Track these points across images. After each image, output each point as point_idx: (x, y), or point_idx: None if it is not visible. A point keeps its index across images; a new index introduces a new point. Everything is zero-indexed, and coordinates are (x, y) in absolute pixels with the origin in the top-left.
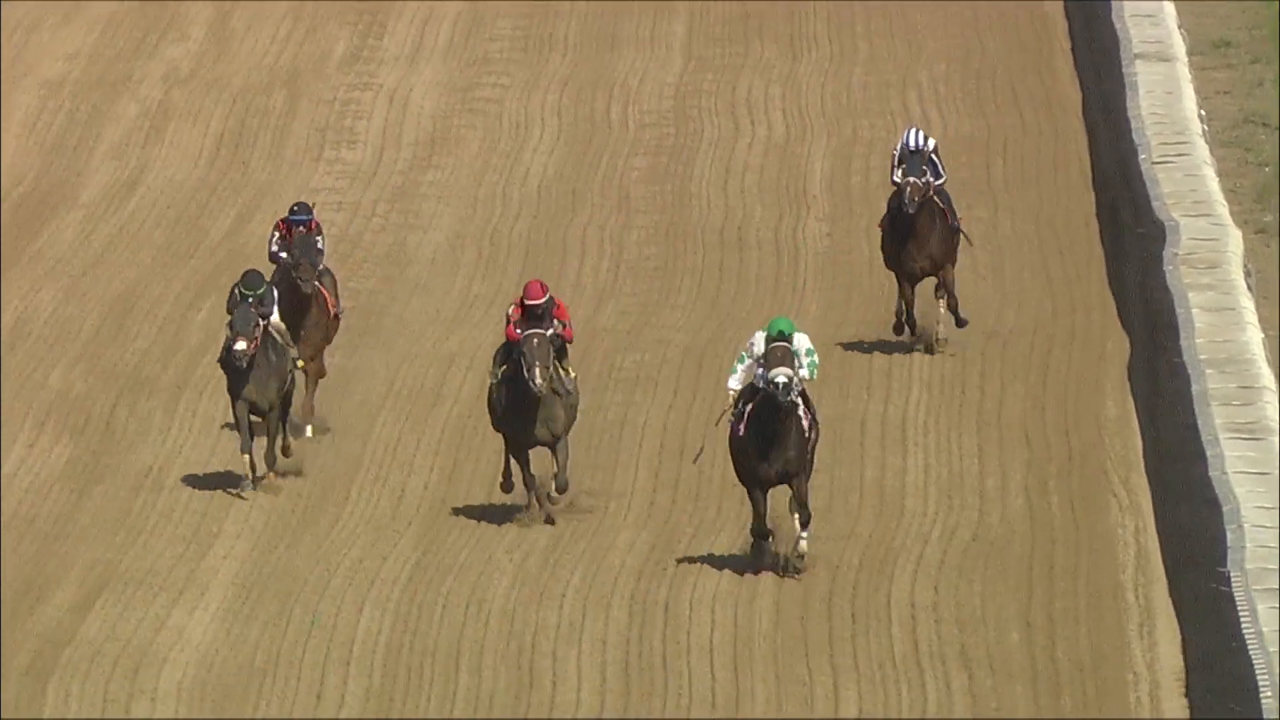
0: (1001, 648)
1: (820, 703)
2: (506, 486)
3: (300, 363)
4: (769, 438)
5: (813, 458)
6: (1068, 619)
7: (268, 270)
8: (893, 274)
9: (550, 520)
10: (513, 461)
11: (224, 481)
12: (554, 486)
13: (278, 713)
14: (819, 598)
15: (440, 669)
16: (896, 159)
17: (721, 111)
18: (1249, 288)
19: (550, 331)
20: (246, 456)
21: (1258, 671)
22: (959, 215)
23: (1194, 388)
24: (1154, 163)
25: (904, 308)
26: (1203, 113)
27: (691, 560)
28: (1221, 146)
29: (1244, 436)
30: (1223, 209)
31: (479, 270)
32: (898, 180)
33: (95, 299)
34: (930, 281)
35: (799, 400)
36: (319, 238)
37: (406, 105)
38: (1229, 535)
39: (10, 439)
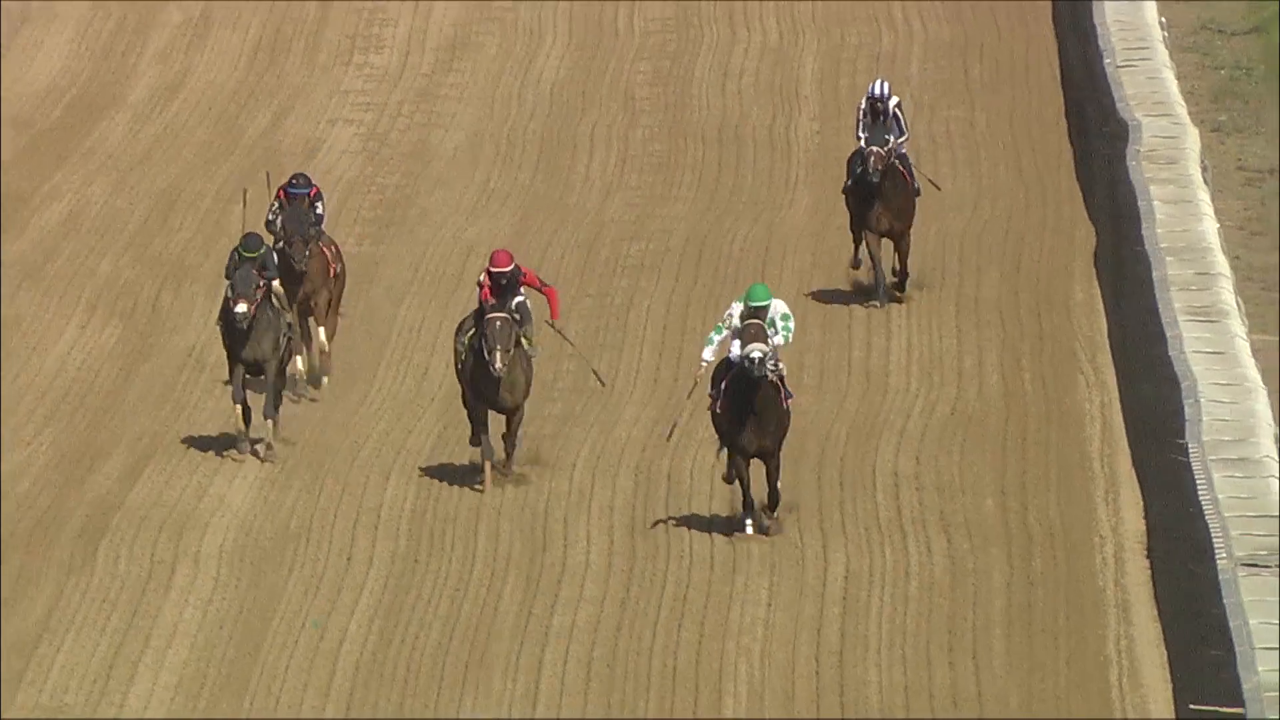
0: (978, 513)
1: (810, 563)
2: (475, 441)
3: (295, 328)
4: (746, 412)
5: (785, 433)
6: (1039, 486)
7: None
8: (857, 229)
9: (505, 473)
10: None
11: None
12: (505, 447)
13: (311, 573)
14: (809, 467)
15: (461, 533)
16: (862, 112)
17: (720, 19)
18: (1205, 182)
19: (516, 301)
20: (239, 407)
21: (1213, 535)
22: (916, 173)
23: (1154, 274)
24: (1118, 66)
25: (871, 259)
26: (1163, 20)
27: (691, 433)
28: (1180, 51)
29: (1200, 319)
30: (1181, 109)
31: (496, 166)
32: (862, 140)
33: (142, 193)
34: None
35: (775, 375)
36: (319, 204)
37: (429, 14)
38: (1186, 409)
39: (64, 321)
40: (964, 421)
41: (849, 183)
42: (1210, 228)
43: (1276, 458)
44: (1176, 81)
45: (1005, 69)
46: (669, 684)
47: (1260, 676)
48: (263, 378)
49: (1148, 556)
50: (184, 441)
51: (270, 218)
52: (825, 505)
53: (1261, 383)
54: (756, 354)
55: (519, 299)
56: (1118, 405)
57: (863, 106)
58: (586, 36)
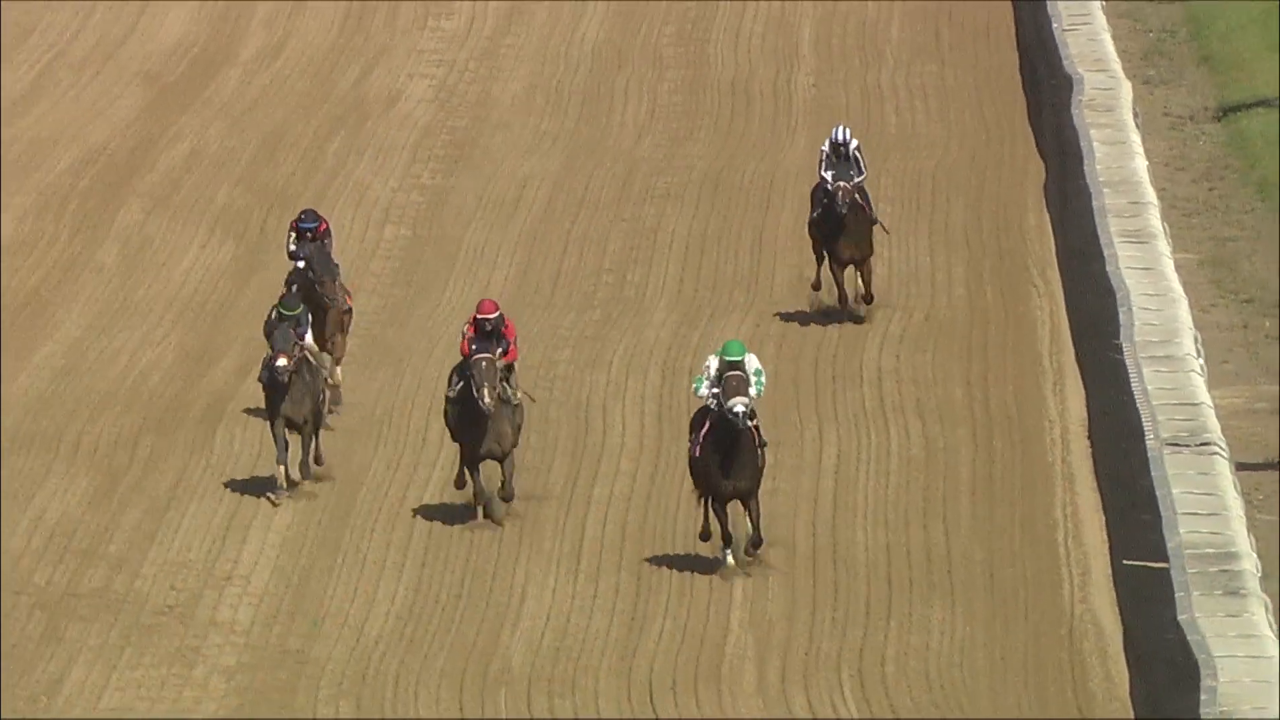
0: (948, 401)
1: (808, 444)
2: (459, 484)
3: (329, 380)
4: (726, 458)
5: (761, 477)
6: (998, 379)
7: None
8: (816, 252)
9: (498, 523)
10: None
11: (353, 276)
12: (500, 496)
13: (393, 452)
14: (808, 362)
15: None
16: (826, 154)
17: None
18: (1136, 126)
19: (499, 351)
20: (281, 467)
21: (1143, 419)
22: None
23: (1094, 203)
24: (1064, 30)
25: (836, 285)
26: None
27: (709, 335)
28: (1116, 17)
29: (1132, 241)
30: (1116, 65)
31: (546, 112)
32: (827, 178)
33: (251, 134)
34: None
35: (753, 425)
36: (328, 240)
37: None
38: (1121, 316)
39: (187, 241)
40: (936, 326)
41: (815, 214)
42: (1141, 164)
43: (1195, 355)
44: (1113, 42)
45: (970, 32)
46: (691, 544)
47: (1182, 537)
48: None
49: (1089, 438)
50: None
51: (291, 249)
52: (820, 394)
53: (1183, 293)
54: (739, 407)
55: (501, 349)
56: (1063, 312)
57: (825, 149)
58: (622, 4)
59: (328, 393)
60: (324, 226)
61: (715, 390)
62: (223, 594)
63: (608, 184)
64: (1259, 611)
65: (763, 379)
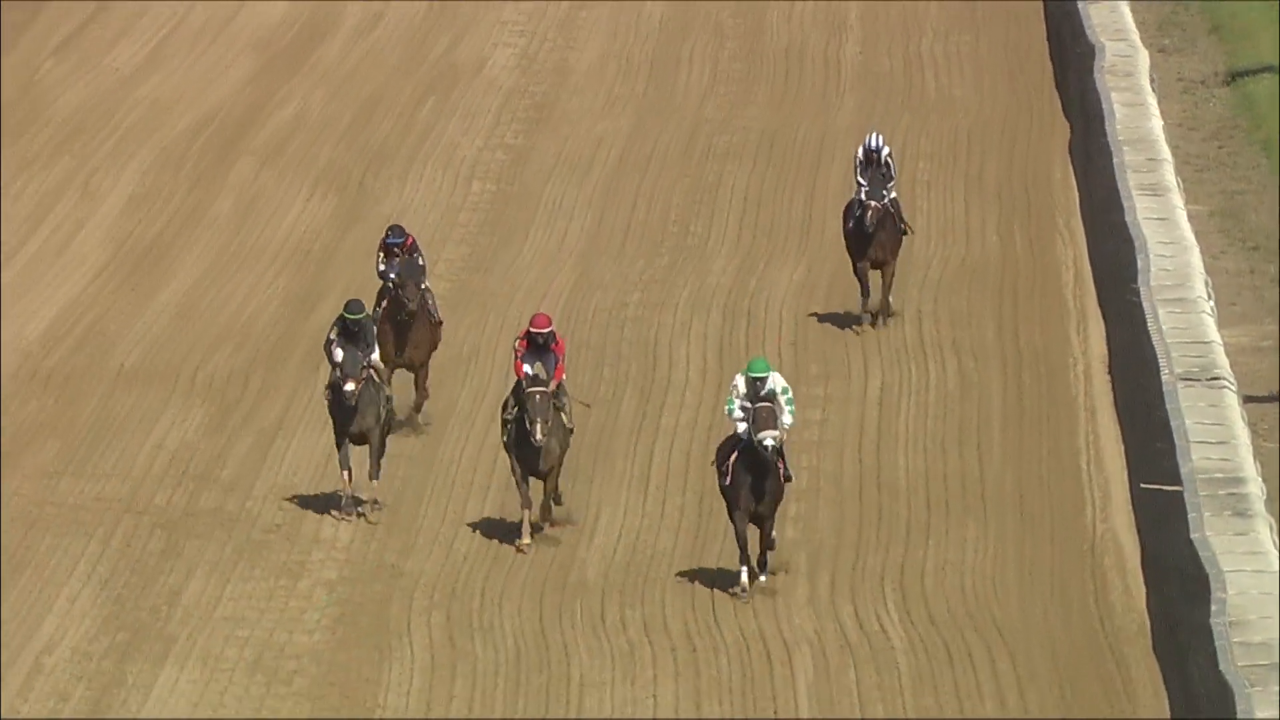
0: (981, 339)
1: (855, 378)
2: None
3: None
4: (754, 483)
5: (779, 503)
6: (1027, 319)
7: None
8: (853, 262)
9: (540, 529)
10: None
11: (443, 227)
12: (542, 506)
13: (478, 386)
14: (855, 305)
15: (591, 356)
16: (859, 160)
17: None
18: (1153, 90)
19: (553, 385)
20: (346, 473)
21: (1158, 357)
22: (905, 218)
23: (1114, 160)
24: (1087, 3)
25: (862, 282)
26: None
27: (764, 280)
28: None
29: (1149, 194)
30: (1135, 35)
31: (618, 78)
32: (862, 187)
33: (351, 98)
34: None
35: (779, 455)
36: (418, 255)
37: None
38: (1138, 262)
39: (294, 195)
40: (970, 271)
41: (849, 227)
42: (1156, 125)
43: (1206, 297)
44: (1131, 14)
45: (1001, 6)
46: None
47: (1194, 463)
48: (366, 446)
49: (1109, 373)
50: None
51: (380, 268)
52: (865, 334)
53: (1195, 241)
54: (770, 441)
55: (560, 380)
56: (1086, 258)
57: (859, 155)
58: None
59: (391, 409)
60: (410, 240)
61: (745, 420)
62: (325, 511)
63: (673, 143)
64: (1264, 531)
65: (792, 401)
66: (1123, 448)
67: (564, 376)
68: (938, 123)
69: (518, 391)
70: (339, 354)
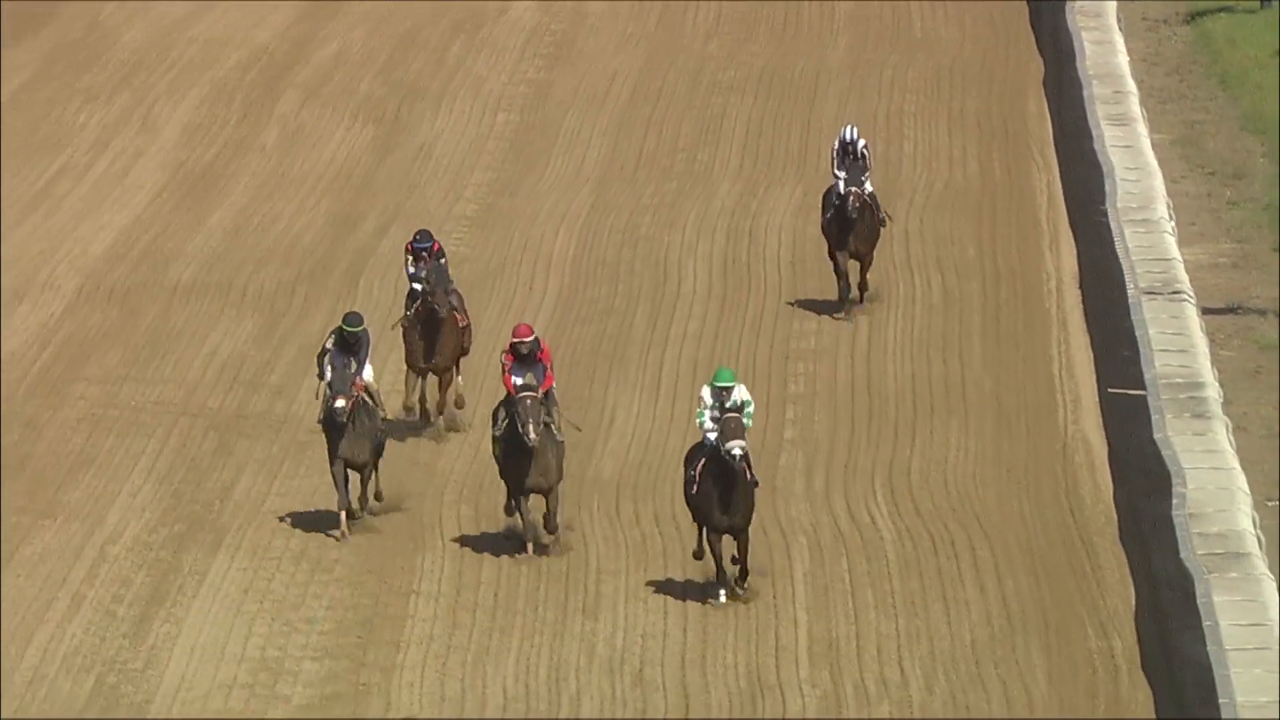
0: (962, 257)
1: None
2: (509, 510)
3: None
4: (723, 495)
5: (752, 513)
6: (1004, 239)
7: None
8: (830, 250)
9: (543, 551)
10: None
11: (472, 154)
12: (545, 527)
13: (505, 298)
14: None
15: (607, 272)
16: (836, 152)
17: None
18: (1120, 29)
19: (541, 391)
20: (343, 514)
21: (1124, 273)
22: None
23: (1084, 92)
24: None
25: (839, 273)
26: None
27: (764, 203)
28: None
29: (1116, 124)
30: None
31: (630, 18)
32: (840, 179)
33: (388, 36)
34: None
35: (746, 464)
36: (443, 258)
37: None
38: (1106, 186)
39: (335, 125)
40: (952, 195)
41: (828, 216)
42: (1123, 60)
43: (1168, 218)
44: None
45: None
46: (751, 376)
47: (1156, 369)
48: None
49: (1079, 287)
50: (419, 210)
51: (410, 270)
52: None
53: (1158, 167)
54: (737, 450)
55: (549, 388)
56: (1058, 183)
57: (835, 147)
58: None
59: (386, 436)
60: (437, 246)
61: (713, 430)
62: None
63: (681, 78)
64: (1220, 431)
65: (751, 410)
66: (1091, 355)
67: (553, 384)
68: (923, 60)
69: (508, 402)
70: (329, 372)
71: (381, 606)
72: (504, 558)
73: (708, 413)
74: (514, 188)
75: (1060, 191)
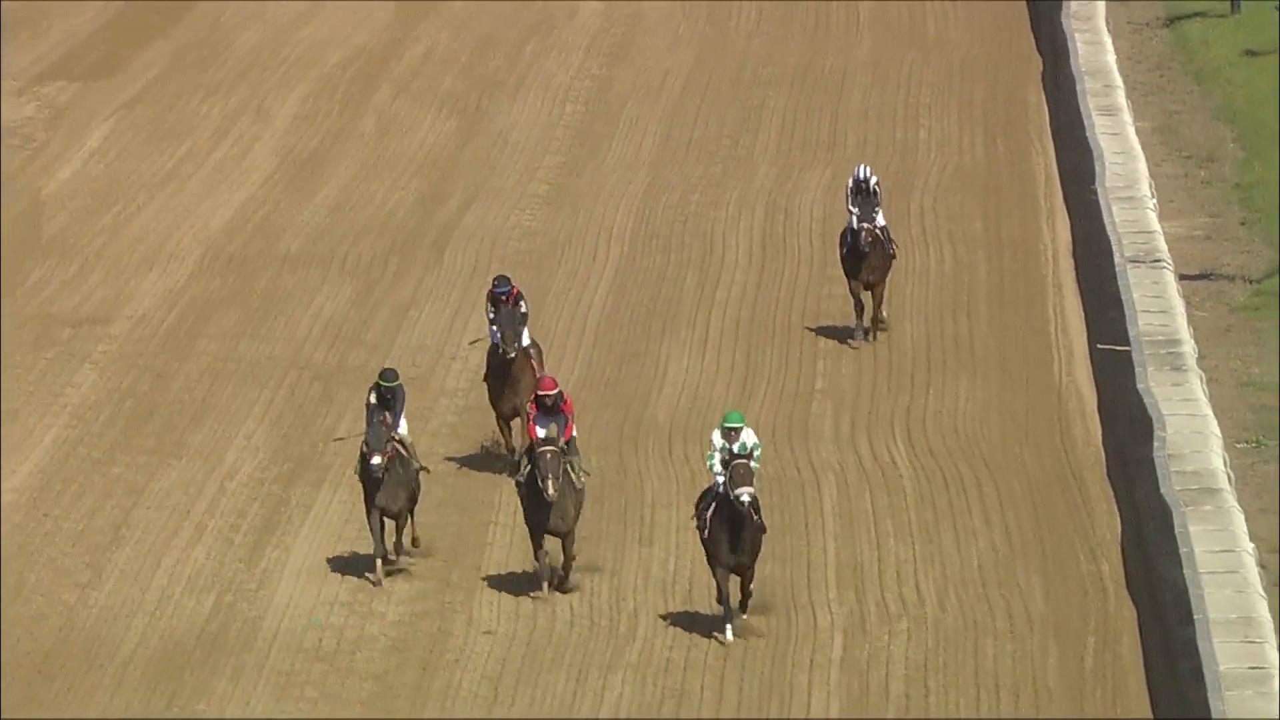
0: (970, 230)
1: None
2: (537, 556)
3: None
4: (731, 537)
5: (759, 553)
6: (1007, 214)
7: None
8: (849, 280)
9: (562, 590)
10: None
11: (543, 140)
12: (562, 566)
13: (573, 268)
14: None
15: (660, 243)
16: (851, 190)
17: None
18: (1108, 30)
19: (561, 441)
20: (379, 561)
21: (1112, 244)
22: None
23: (1077, 86)
24: None
25: (856, 300)
26: None
27: (798, 183)
28: None
29: (1105, 114)
30: None
31: (682, 21)
32: (853, 216)
33: (469, 39)
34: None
35: (754, 508)
36: (522, 303)
37: None
38: (1096, 167)
39: (422, 115)
40: (962, 176)
41: (844, 252)
42: (1111, 58)
43: (1150, 196)
44: None
45: None
46: (786, 334)
47: (1140, 328)
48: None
49: (1072, 256)
50: (498, 188)
51: (490, 316)
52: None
53: (1141, 151)
54: (746, 496)
55: (562, 439)
56: (1055, 165)
57: (850, 185)
58: None
59: (419, 487)
60: (516, 291)
61: (723, 475)
62: (449, 368)
63: (725, 74)
64: (1195, 382)
65: (759, 452)
66: (1083, 316)
67: (574, 434)
68: (936, 58)
69: (530, 452)
70: (367, 428)
71: (464, 535)
72: None
73: (717, 455)
74: (580, 169)
75: (1056, 173)
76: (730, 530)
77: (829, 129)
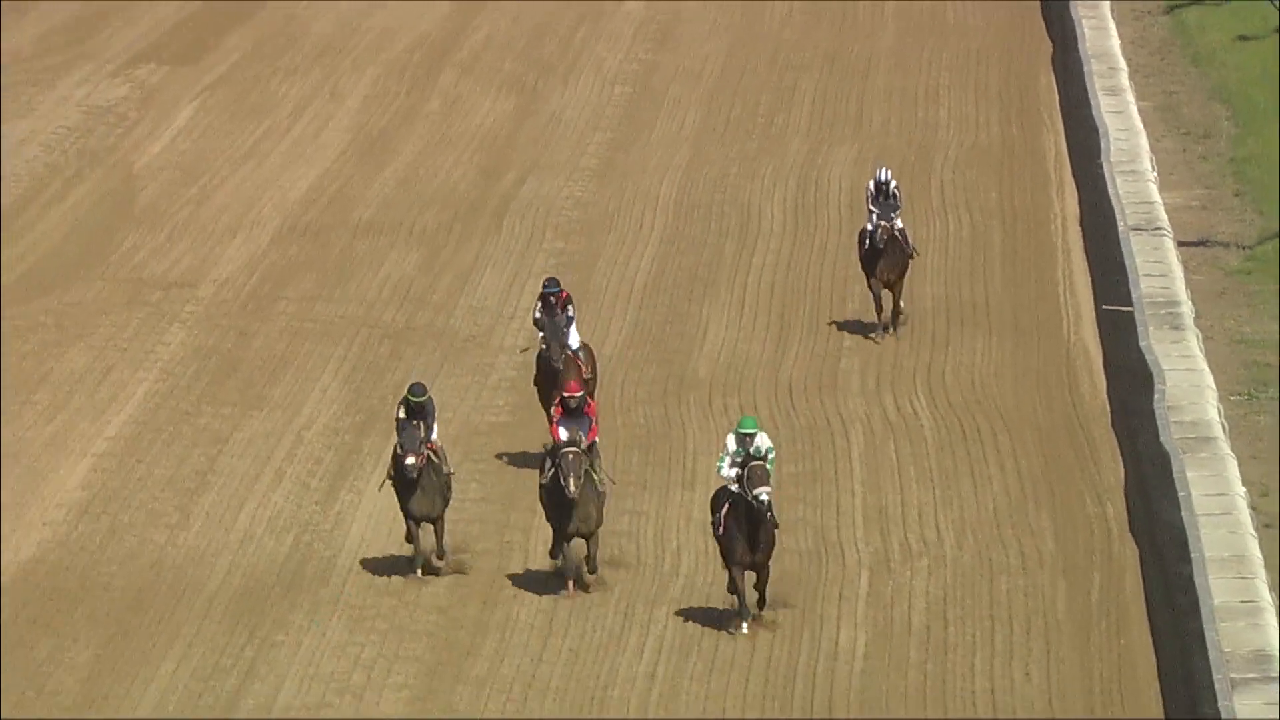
0: (986, 201)
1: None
2: (553, 555)
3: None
4: (748, 536)
5: (773, 550)
6: (1020, 186)
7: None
8: (868, 278)
9: (585, 588)
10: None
11: (593, 119)
12: (586, 569)
13: (620, 235)
14: (897, 173)
15: (701, 213)
16: (871, 192)
17: None
18: (1112, 16)
19: (584, 443)
20: (419, 569)
21: (1116, 213)
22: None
23: (1084, 69)
24: None
25: (875, 301)
26: None
27: (827, 158)
28: None
29: (1110, 94)
30: None
31: (720, 10)
32: (872, 216)
33: (526, 25)
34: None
35: (769, 507)
36: (570, 306)
37: None
38: (1101, 143)
39: (482, 96)
40: (978, 151)
41: (863, 250)
42: (1115, 43)
43: (1151, 169)
44: None
45: None
46: (816, 295)
47: (1142, 290)
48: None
49: (1080, 225)
50: (554, 159)
51: (537, 315)
52: (902, 196)
53: (1142, 128)
54: (764, 496)
55: (593, 441)
56: (1064, 142)
57: (871, 188)
58: None
59: (451, 487)
60: (565, 295)
61: (737, 473)
62: (508, 327)
63: (760, 58)
64: (1193, 340)
65: (773, 455)
66: (1089, 280)
67: (596, 438)
68: (955, 43)
69: (553, 453)
70: (399, 435)
71: (521, 480)
72: (619, 440)
73: (728, 458)
74: (628, 145)
75: (1065, 148)
76: (747, 529)
77: (856, 109)
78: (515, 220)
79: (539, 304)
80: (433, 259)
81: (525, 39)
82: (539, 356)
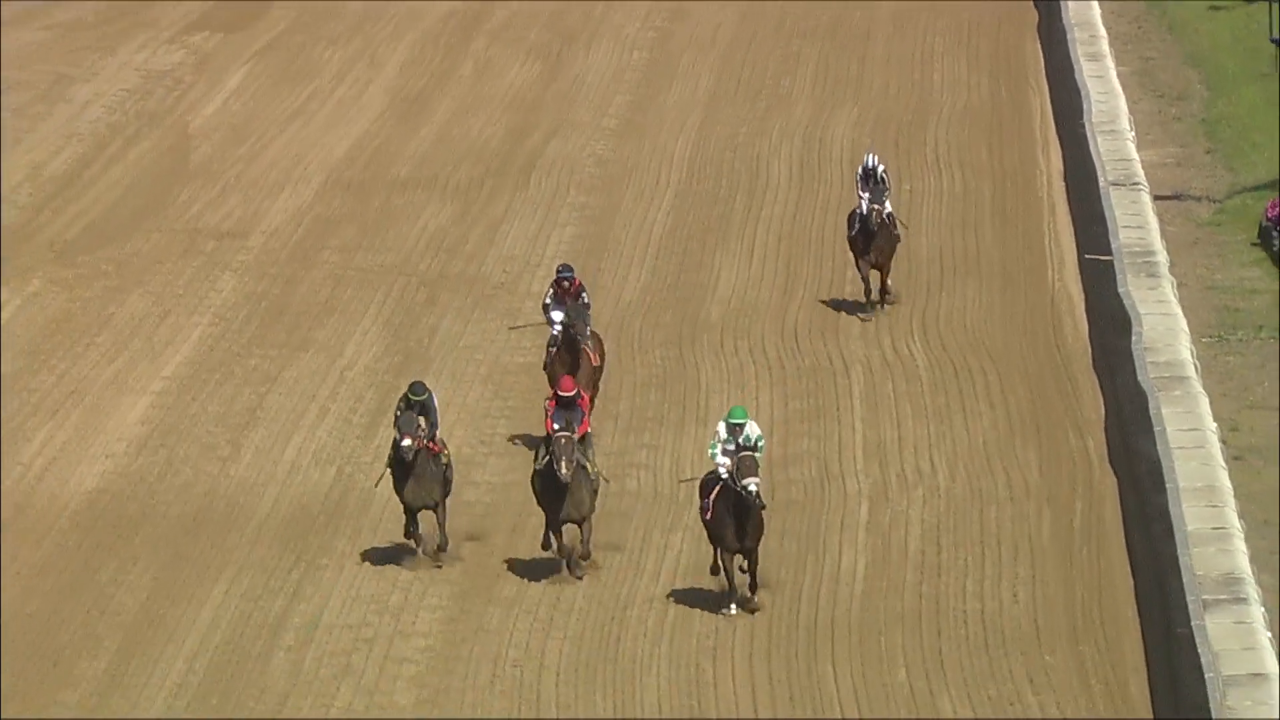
0: (976, 159)
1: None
2: (545, 545)
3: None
4: (737, 522)
5: (761, 536)
6: (1009, 145)
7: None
8: (856, 260)
9: (579, 577)
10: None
11: (614, 83)
12: (578, 554)
13: (637, 191)
14: (890, 137)
15: (713, 170)
16: (860, 177)
17: None
18: None
19: (576, 433)
20: (414, 541)
21: (1096, 170)
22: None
23: (1067, 36)
24: None
25: (864, 282)
26: None
27: (830, 119)
28: None
29: (1091, 60)
30: None
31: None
32: (863, 200)
33: (546, 14)
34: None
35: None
36: (584, 294)
37: None
38: (1083, 105)
39: (512, 61)
40: (970, 113)
41: (853, 232)
42: (1096, 12)
43: (1129, 129)
44: None
45: None
46: (820, 245)
47: (1120, 241)
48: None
49: (1064, 181)
50: (574, 120)
51: (547, 302)
52: (899, 154)
53: (1121, 91)
54: (753, 487)
55: (576, 429)
56: (1049, 104)
57: (859, 173)
58: None
59: (451, 479)
60: (579, 283)
61: (726, 463)
62: (535, 274)
63: (767, 27)
64: (1168, 287)
65: (763, 444)
66: (1072, 230)
67: (589, 430)
68: (947, 13)
69: (547, 440)
70: (399, 420)
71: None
72: (637, 379)
73: (719, 445)
74: (645, 106)
75: (1050, 110)
76: (735, 516)
77: (856, 74)
78: (541, 176)
79: (551, 289)
80: (465, 212)
81: (550, 9)
82: (550, 341)
